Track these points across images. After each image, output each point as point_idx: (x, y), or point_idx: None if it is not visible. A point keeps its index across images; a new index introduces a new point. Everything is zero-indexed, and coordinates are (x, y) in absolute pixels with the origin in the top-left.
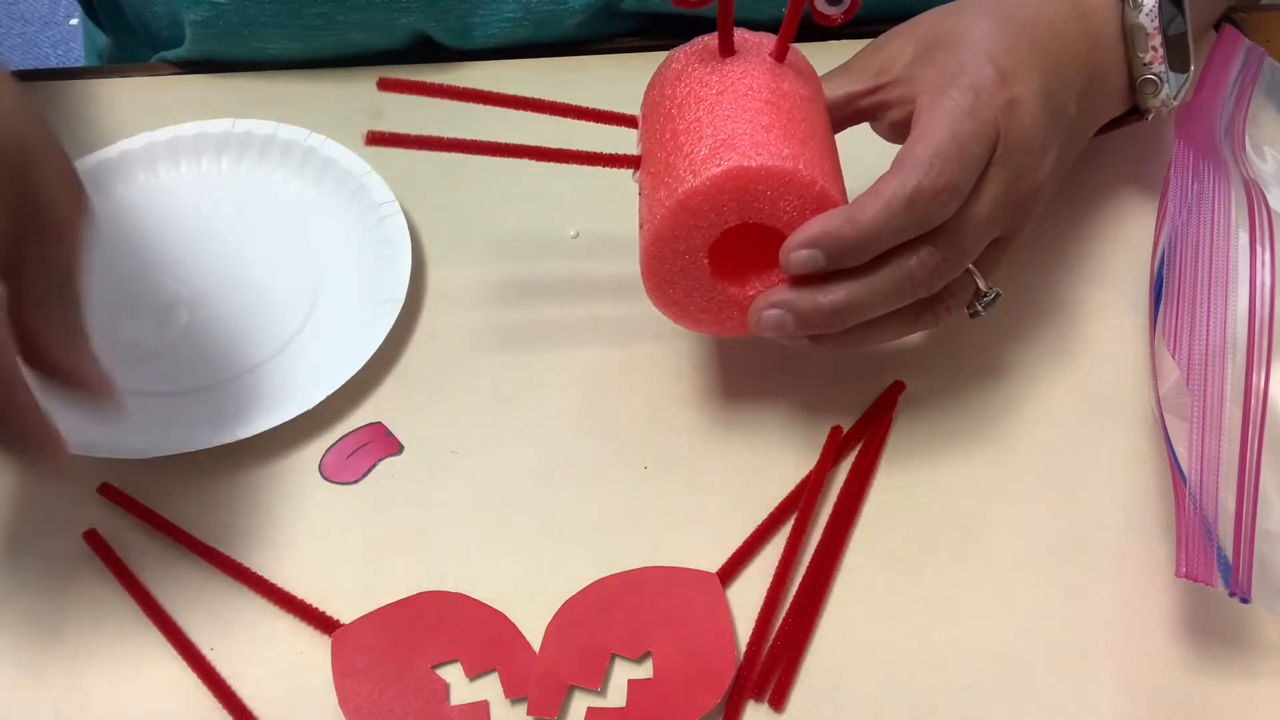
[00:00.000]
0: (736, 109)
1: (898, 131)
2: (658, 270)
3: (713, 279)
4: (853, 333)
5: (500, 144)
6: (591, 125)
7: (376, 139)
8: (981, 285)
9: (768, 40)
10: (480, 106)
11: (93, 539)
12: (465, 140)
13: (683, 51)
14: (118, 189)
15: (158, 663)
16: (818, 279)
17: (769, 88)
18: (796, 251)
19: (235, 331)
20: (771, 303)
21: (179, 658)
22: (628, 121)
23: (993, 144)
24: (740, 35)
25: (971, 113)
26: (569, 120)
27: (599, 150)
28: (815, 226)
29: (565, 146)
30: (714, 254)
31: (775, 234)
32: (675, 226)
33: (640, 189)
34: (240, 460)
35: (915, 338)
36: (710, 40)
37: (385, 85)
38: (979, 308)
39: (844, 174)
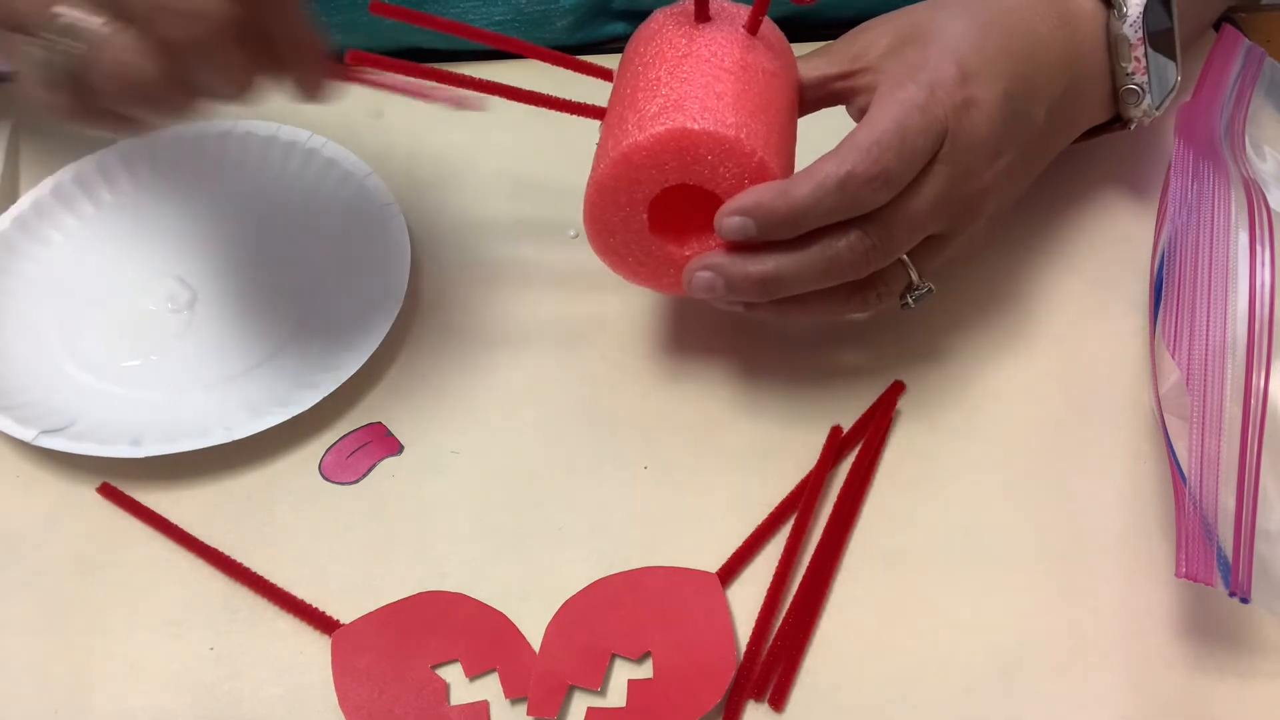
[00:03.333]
0: (695, 73)
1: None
2: (599, 218)
3: (651, 234)
4: (784, 304)
5: (473, 79)
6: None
7: (357, 59)
8: (914, 278)
9: (744, 12)
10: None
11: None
12: (441, 70)
13: (662, 13)
14: (118, 189)
15: (158, 662)
16: (751, 247)
17: (733, 57)
18: (729, 218)
19: (235, 331)
20: (704, 265)
21: (179, 658)
22: (605, 74)
23: (939, 140)
24: (717, 4)
25: (923, 107)
26: (568, 121)
27: (590, 142)
28: (749, 197)
29: (562, 150)
30: (656, 211)
31: (715, 199)
32: (617, 178)
33: (599, 138)
34: (240, 460)
35: (914, 338)
36: (689, 5)
37: (377, 9)
38: (910, 300)
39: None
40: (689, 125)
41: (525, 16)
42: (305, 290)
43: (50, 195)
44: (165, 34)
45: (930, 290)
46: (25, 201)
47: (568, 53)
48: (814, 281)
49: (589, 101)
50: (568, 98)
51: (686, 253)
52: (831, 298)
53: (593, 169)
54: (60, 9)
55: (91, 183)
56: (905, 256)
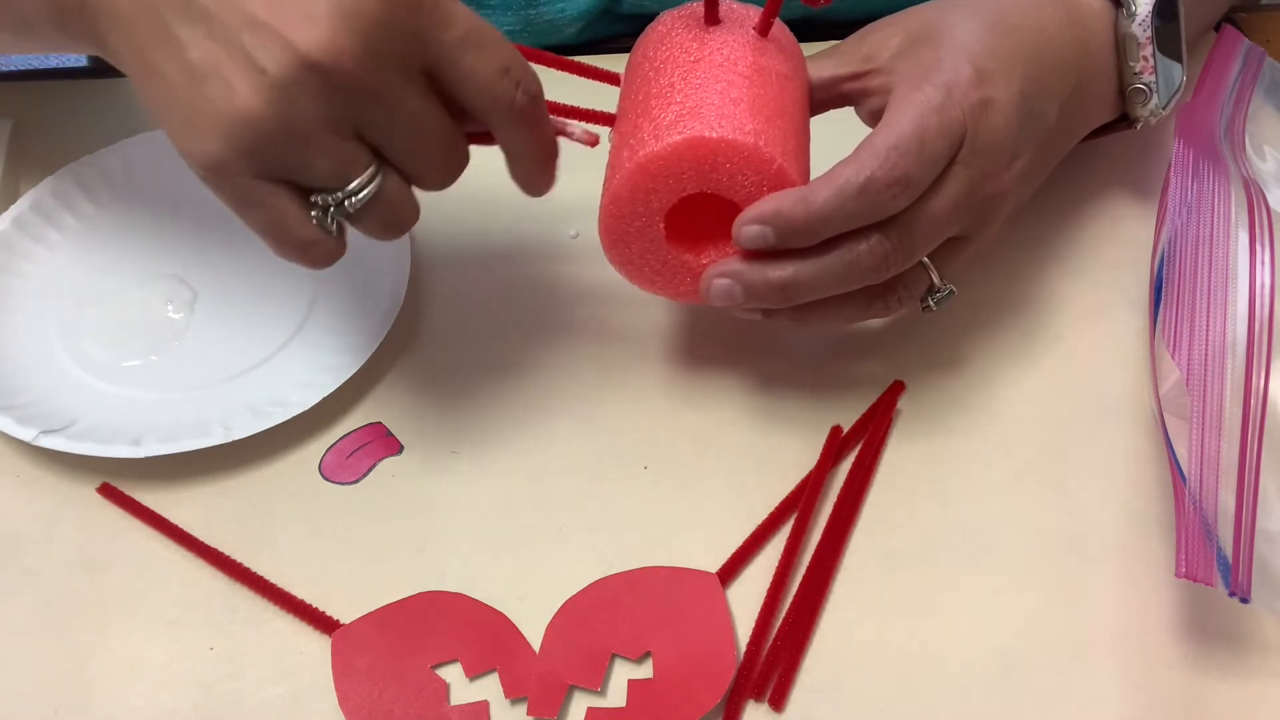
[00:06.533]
0: (709, 79)
1: (875, 119)
2: (614, 229)
3: (668, 244)
4: (803, 310)
5: None
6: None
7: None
8: (936, 280)
9: (754, 13)
10: None
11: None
12: None
13: (670, 15)
14: (118, 189)
15: (158, 662)
16: (770, 253)
17: (746, 61)
18: (748, 227)
19: (235, 331)
20: (722, 272)
21: (179, 658)
22: (611, 79)
23: (958, 142)
24: (727, 6)
25: (940, 109)
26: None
27: (590, 144)
28: (768, 204)
29: (563, 149)
30: (673, 220)
31: (733, 206)
32: (634, 188)
33: (610, 147)
34: (240, 460)
35: (914, 338)
36: (698, 7)
37: None
38: (931, 302)
39: (834, 158)
40: (706, 134)
41: (534, 26)
42: (305, 290)
43: (50, 195)
44: (431, 183)
45: (952, 292)
46: (25, 201)
47: (575, 51)
48: (833, 286)
49: (594, 104)
50: (572, 101)
51: (703, 261)
52: (852, 302)
53: (607, 180)
54: (352, 170)
55: (91, 183)
56: (926, 259)
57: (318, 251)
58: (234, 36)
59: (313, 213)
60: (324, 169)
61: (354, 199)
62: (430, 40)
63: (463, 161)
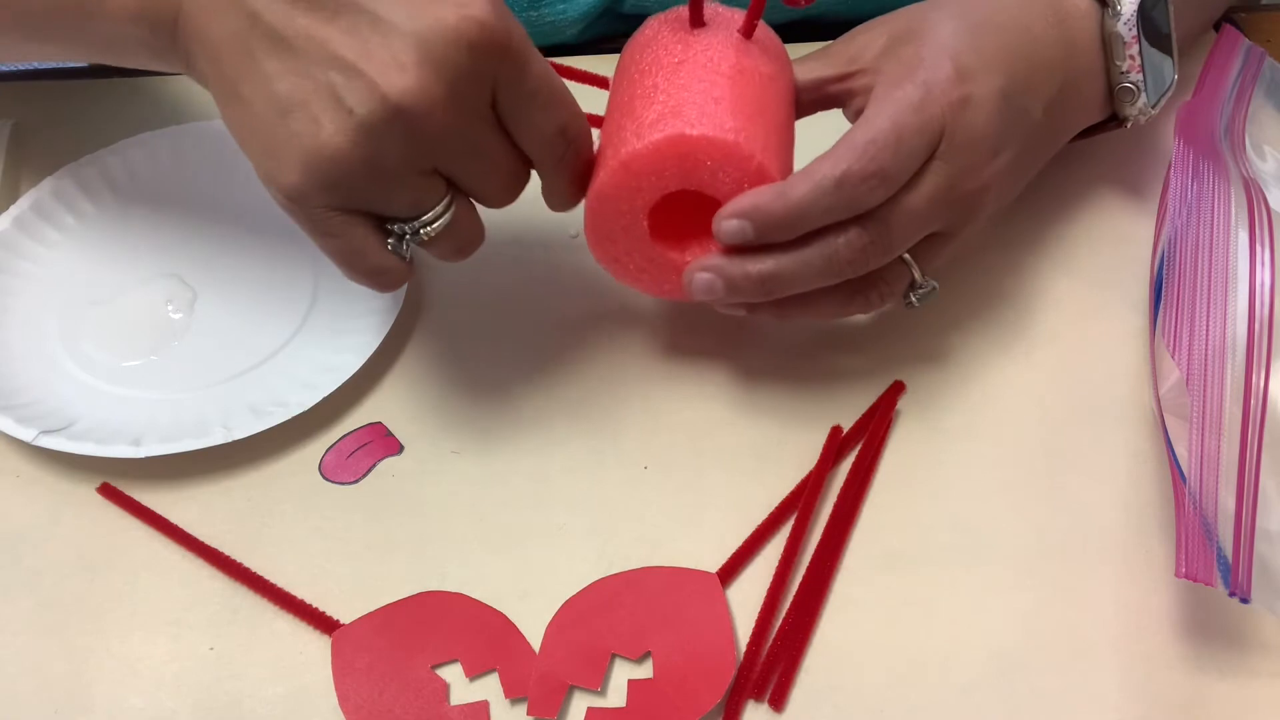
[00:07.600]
0: (692, 79)
1: None
2: (599, 226)
3: (652, 241)
4: (785, 305)
5: None
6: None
7: None
8: (917, 276)
9: (739, 16)
10: None
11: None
12: None
13: (656, 19)
14: (118, 189)
15: (158, 662)
16: (751, 248)
17: (729, 62)
18: (727, 221)
19: (235, 331)
20: (704, 266)
21: (179, 658)
22: (602, 83)
23: (936, 139)
24: (712, 9)
25: (918, 106)
26: None
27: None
28: (746, 199)
29: None
30: (657, 217)
31: (715, 203)
32: (617, 186)
33: (597, 147)
34: (240, 460)
35: (914, 339)
36: (683, 10)
37: None
38: (914, 298)
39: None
40: (687, 131)
41: (536, 28)
42: (306, 290)
43: (50, 195)
44: (497, 204)
45: (934, 288)
46: (25, 202)
47: (575, 51)
48: (814, 279)
49: (586, 106)
50: None
51: (688, 258)
52: (833, 297)
53: (593, 178)
54: (430, 200)
55: (92, 183)
56: (907, 255)
57: (390, 278)
58: (321, 74)
59: (388, 241)
60: (402, 202)
61: (429, 228)
62: (505, 86)
63: (525, 181)
